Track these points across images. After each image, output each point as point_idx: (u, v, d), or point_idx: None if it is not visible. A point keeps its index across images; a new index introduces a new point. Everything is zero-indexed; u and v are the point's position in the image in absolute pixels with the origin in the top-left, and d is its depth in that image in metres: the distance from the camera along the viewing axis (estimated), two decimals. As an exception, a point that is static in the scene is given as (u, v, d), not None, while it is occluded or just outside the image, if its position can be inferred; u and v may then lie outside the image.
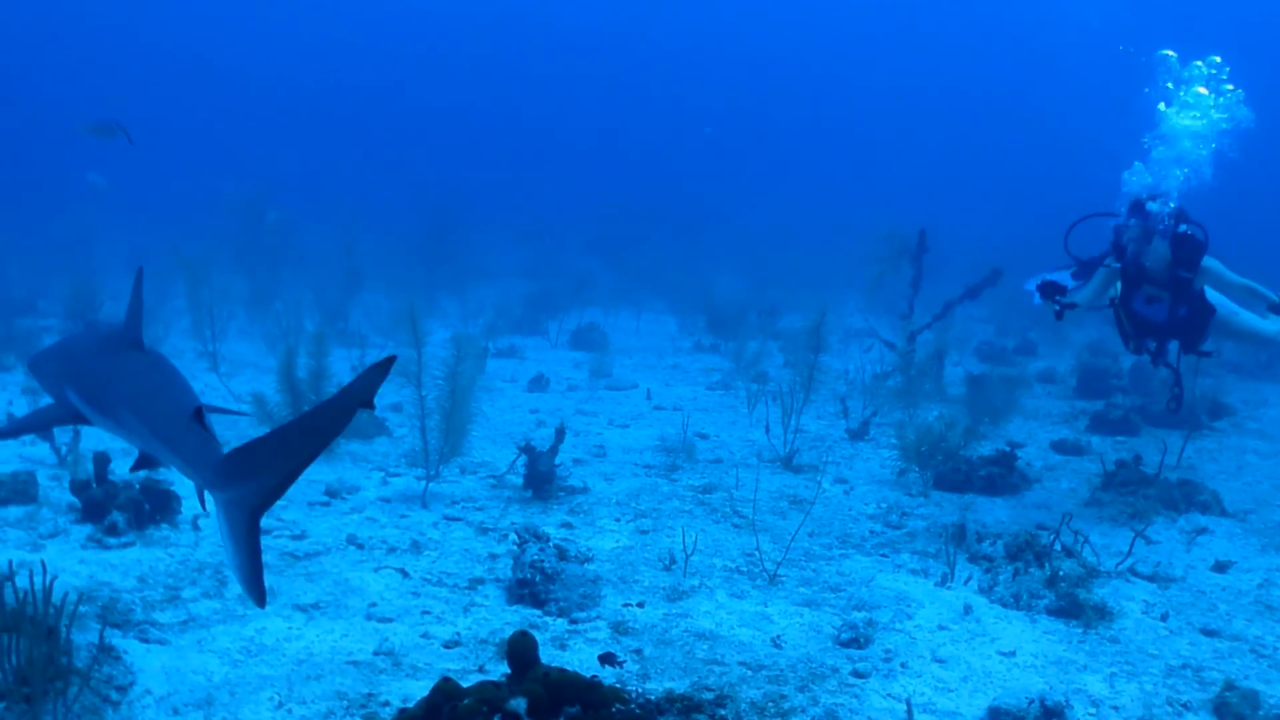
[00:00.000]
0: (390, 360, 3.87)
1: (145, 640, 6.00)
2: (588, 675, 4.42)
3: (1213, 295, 8.94)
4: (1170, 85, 9.79)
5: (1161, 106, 9.69)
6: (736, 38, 78.33)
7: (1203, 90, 9.66)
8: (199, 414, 4.76)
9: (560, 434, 9.55)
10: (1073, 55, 62.00)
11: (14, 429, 6.14)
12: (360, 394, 3.95)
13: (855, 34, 75.65)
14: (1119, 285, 9.14)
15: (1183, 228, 8.73)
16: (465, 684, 4.42)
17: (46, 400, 6.20)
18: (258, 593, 4.25)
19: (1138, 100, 9.84)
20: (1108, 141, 9.69)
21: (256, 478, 4.18)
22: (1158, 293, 8.95)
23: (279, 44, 75.89)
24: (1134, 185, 9.24)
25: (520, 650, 4.46)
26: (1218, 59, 9.78)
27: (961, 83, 70.64)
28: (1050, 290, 9.10)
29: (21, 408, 11.03)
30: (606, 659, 5.57)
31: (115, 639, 5.79)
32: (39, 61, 69.69)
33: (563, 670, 4.37)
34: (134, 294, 5.65)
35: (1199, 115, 9.52)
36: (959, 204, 39.87)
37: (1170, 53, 9.84)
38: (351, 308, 18.48)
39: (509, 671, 4.54)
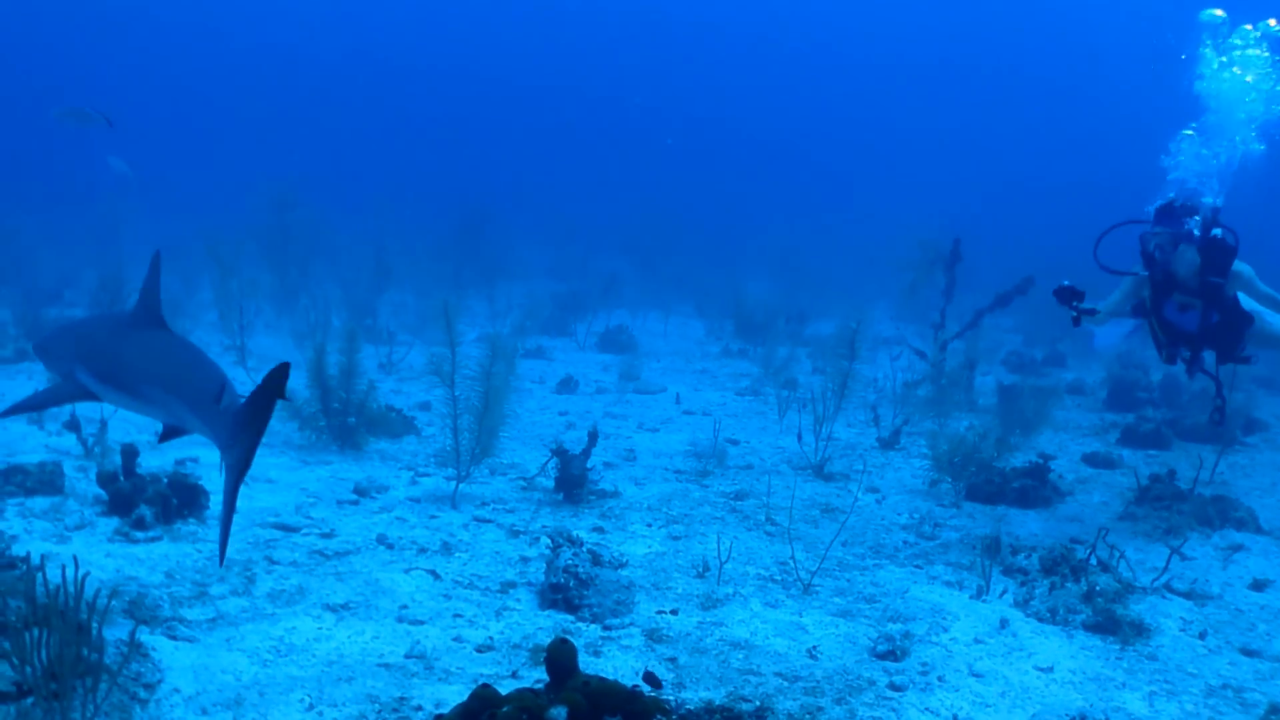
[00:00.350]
0: (286, 365, 4.51)
1: (173, 637, 5.95)
2: (626, 684, 4.35)
3: (1247, 302, 8.72)
4: (1206, 50, 9.26)
5: (1215, 62, 9.20)
6: (768, 42, 78.37)
7: (1260, 53, 9.19)
8: (223, 387, 5.11)
9: (593, 437, 9.47)
10: (1112, 38, 61.57)
11: (22, 406, 6.16)
12: (277, 388, 4.51)
13: (892, 38, 75.57)
14: (1149, 294, 8.92)
15: (1215, 231, 8.47)
16: (499, 690, 4.35)
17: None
18: (222, 550, 5.05)
19: (1180, 88, 9.42)
20: (1150, 133, 9.34)
21: (245, 441, 4.69)
22: (1189, 300, 8.68)
23: (315, 40, 76.30)
24: (1177, 174, 8.95)
25: (559, 658, 4.39)
26: (1273, 22, 9.31)
27: (1000, 84, 70.49)
28: (1067, 295, 8.89)
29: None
30: (650, 679, 5.44)
31: (143, 635, 5.72)
32: (74, 50, 70.17)
33: (603, 679, 4.30)
34: (150, 275, 5.86)
35: (1256, 79, 9.08)
36: (994, 206, 39.70)
37: (1219, 12, 9.40)
38: (379, 305, 18.46)
39: (544, 678, 4.48)
